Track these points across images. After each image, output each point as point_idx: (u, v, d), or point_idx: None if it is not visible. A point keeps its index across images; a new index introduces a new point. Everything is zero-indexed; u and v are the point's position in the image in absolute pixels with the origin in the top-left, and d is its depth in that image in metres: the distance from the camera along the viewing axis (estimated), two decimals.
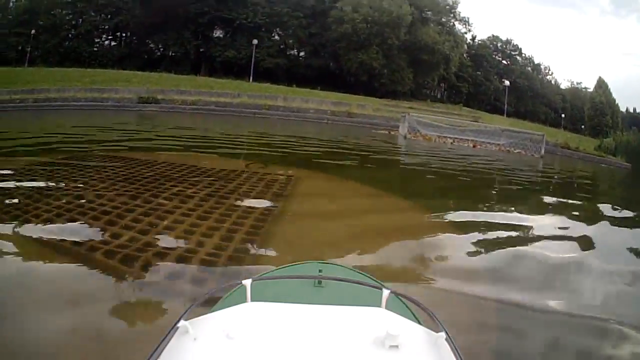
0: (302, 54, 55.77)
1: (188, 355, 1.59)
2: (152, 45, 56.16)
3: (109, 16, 54.53)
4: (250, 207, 7.18)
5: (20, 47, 51.97)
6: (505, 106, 53.27)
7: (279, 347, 1.65)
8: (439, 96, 62.75)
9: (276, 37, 54.38)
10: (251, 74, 43.80)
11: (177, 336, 1.66)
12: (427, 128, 27.33)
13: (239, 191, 8.22)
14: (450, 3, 57.57)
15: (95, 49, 54.65)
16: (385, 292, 2.01)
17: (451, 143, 25.93)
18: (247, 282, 2.06)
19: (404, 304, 2.38)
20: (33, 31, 48.84)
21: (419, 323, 2.04)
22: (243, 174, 10.02)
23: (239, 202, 7.47)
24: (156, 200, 7.08)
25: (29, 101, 30.72)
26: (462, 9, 58.93)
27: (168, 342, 1.62)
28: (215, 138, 19.67)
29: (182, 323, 1.70)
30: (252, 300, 1.98)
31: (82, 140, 16.79)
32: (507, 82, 55.05)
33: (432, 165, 16.79)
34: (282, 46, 54.12)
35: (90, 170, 9.59)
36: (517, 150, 25.50)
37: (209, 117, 28.23)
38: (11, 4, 57.65)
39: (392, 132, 28.21)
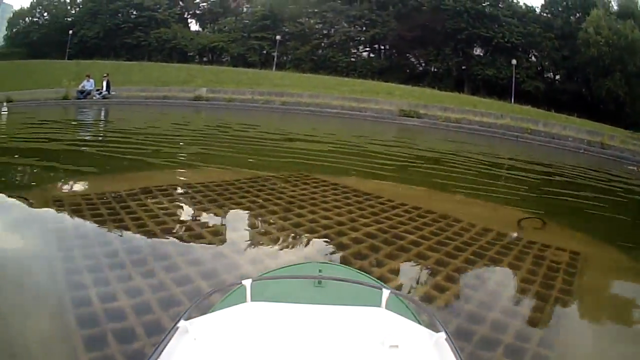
0: (557, 77, 55.22)
1: (188, 355, 1.70)
2: (413, 60, 58.65)
3: (364, 28, 58.17)
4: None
5: (264, 51, 57.18)
6: None
7: (279, 347, 1.76)
8: None
9: (533, 58, 54.82)
10: (512, 95, 44.06)
11: (177, 336, 1.79)
12: None
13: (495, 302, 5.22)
14: None
15: (352, 59, 58.22)
16: (385, 292, 2.13)
17: None
18: (247, 282, 2.18)
19: (404, 304, 2.53)
20: (278, 37, 53.38)
21: (419, 323, 2.19)
22: (515, 243, 7.17)
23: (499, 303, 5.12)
24: None
25: (275, 103, 33.27)
26: None
27: (168, 342, 1.74)
28: (484, 164, 17.54)
29: (182, 323, 1.84)
30: (252, 300, 2.11)
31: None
32: None
33: None
34: (539, 68, 54.16)
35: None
36: None
37: (472, 137, 28.02)
38: (244, 9, 64.09)
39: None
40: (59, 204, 7.91)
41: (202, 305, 2.43)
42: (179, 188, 9.54)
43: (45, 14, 66.63)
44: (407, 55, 58.01)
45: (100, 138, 18.55)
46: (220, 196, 8.83)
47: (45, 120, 22.81)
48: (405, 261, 6.15)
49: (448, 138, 26.24)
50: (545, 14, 55.61)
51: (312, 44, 57.67)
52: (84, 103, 29.73)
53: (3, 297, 4.66)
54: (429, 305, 4.60)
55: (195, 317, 1.92)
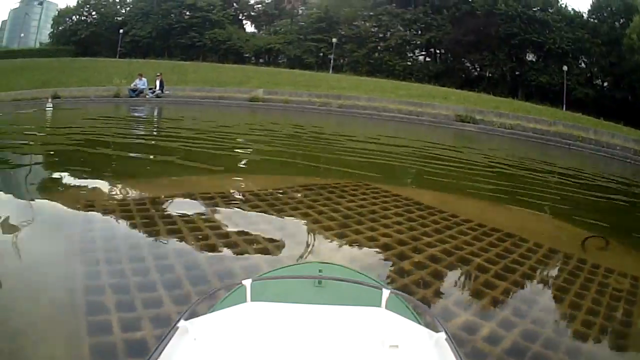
0: (605, 84, 54.69)
1: (188, 355, 1.70)
2: (468, 64, 58.84)
3: (419, 32, 58.50)
4: None
5: (321, 54, 57.67)
6: None
7: (279, 347, 1.77)
8: None
9: (582, 64, 54.42)
10: (564, 102, 43.76)
11: (177, 336, 1.78)
12: None
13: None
14: None
15: (408, 63, 58.71)
16: (385, 292, 2.11)
17: None
18: (247, 282, 2.15)
19: (404, 304, 2.51)
20: (335, 40, 53.47)
21: (419, 323, 2.18)
22: (581, 268, 6.56)
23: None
24: None
25: (332, 105, 32.87)
26: None
27: (168, 342, 1.73)
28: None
29: (182, 323, 1.83)
30: (252, 300, 2.09)
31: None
32: None
33: None
34: (588, 75, 53.80)
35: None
36: None
37: (527, 144, 27.78)
38: (299, 11, 64.46)
39: None
40: (92, 208, 7.34)
41: (202, 306, 2.44)
42: (225, 196, 8.62)
43: (94, 12, 67.98)
44: (463, 59, 57.93)
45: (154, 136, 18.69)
46: (271, 207, 7.96)
47: (93, 117, 23.15)
48: (471, 291, 5.77)
49: (504, 145, 25.88)
50: (592, 20, 55.09)
51: (368, 47, 57.84)
52: (136, 101, 30.22)
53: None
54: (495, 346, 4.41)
55: (195, 317, 1.94)
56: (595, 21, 54.64)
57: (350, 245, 6.59)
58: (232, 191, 9.33)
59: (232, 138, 18.65)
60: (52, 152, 13.23)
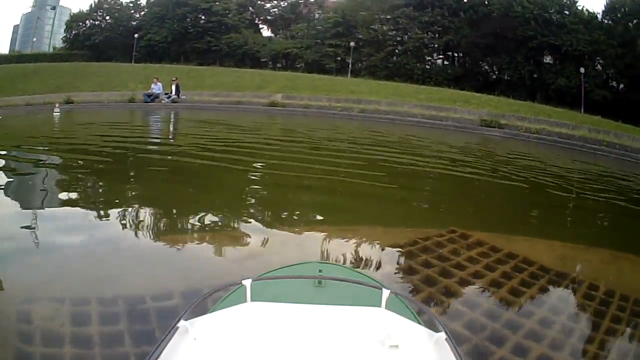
0: (621, 86, 53.16)
1: (188, 355, 1.68)
2: (486, 67, 57.75)
3: (437, 35, 57.36)
4: None
5: (339, 58, 56.60)
6: None
7: (279, 347, 1.73)
8: None
9: (598, 66, 53.09)
10: (582, 105, 42.66)
11: (177, 336, 1.76)
12: None
13: None
14: None
15: (427, 66, 57.56)
16: (385, 292, 2.07)
17: None
18: (247, 282, 2.11)
19: (404, 304, 2.46)
20: (352, 44, 52.59)
21: (419, 323, 2.13)
22: None
23: None
24: None
25: (353, 110, 32.34)
26: None
27: (168, 342, 1.70)
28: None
29: (182, 323, 1.81)
30: (252, 300, 2.05)
31: None
32: None
33: None
34: (604, 77, 52.52)
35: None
36: None
37: (554, 149, 26.16)
38: (316, 15, 63.78)
39: None
40: None
41: (202, 305, 2.32)
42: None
43: (108, 17, 67.53)
44: (481, 62, 57.03)
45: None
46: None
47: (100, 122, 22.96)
48: None
49: (545, 151, 24.72)
50: (606, 21, 53.72)
51: (386, 51, 56.64)
52: (151, 106, 29.80)
53: None
54: None
55: (195, 317, 1.90)
56: (610, 22, 53.30)
57: None
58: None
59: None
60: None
